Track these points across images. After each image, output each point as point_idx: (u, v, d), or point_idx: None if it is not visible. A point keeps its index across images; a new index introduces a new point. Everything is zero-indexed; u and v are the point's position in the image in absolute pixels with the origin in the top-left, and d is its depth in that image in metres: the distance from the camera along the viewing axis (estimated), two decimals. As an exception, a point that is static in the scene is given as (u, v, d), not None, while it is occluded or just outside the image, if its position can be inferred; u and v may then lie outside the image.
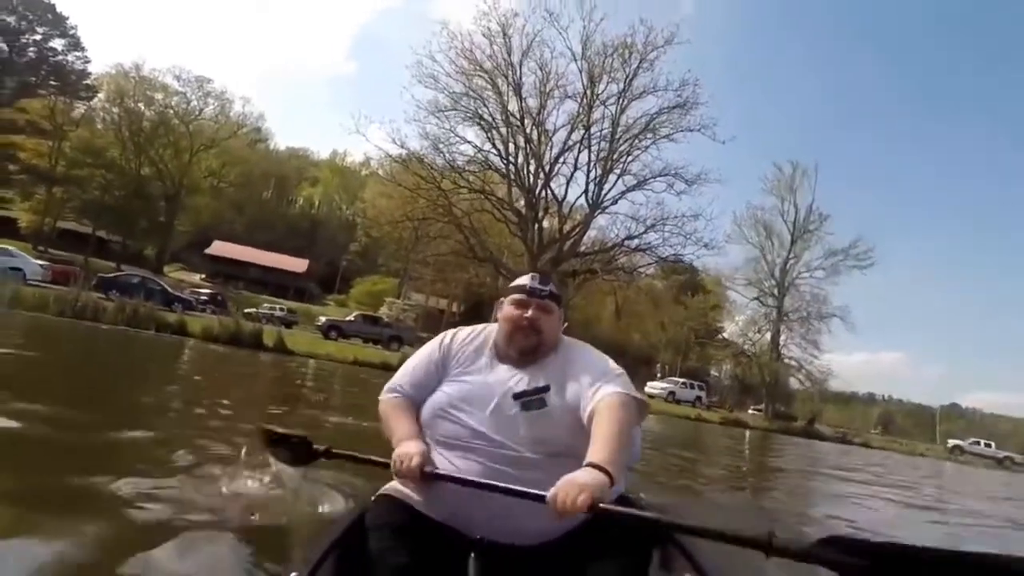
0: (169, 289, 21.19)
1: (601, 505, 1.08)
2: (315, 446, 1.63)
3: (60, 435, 3.10)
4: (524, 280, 1.52)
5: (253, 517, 2.19)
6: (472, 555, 1.21)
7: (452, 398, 1.40)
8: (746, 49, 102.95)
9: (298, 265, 49.14)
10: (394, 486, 1.39)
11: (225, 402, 5.15)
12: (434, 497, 1.31)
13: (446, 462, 1.34)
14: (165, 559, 1.79)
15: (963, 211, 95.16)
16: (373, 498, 1.40)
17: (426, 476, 1.27)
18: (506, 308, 1.50)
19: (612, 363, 1.46)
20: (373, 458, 1.45)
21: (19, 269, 17.89)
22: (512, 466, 1.29)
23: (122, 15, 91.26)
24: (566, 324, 1.56)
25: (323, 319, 23.86)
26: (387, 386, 1.54)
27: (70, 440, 3.07)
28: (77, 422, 3.45)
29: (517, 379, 1.41)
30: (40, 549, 1.70)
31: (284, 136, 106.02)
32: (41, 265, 19.24)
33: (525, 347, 1.44)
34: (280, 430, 1.69)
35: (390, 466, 1.33)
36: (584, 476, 1.11)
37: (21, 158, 34.15)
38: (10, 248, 19.26)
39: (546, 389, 1.38)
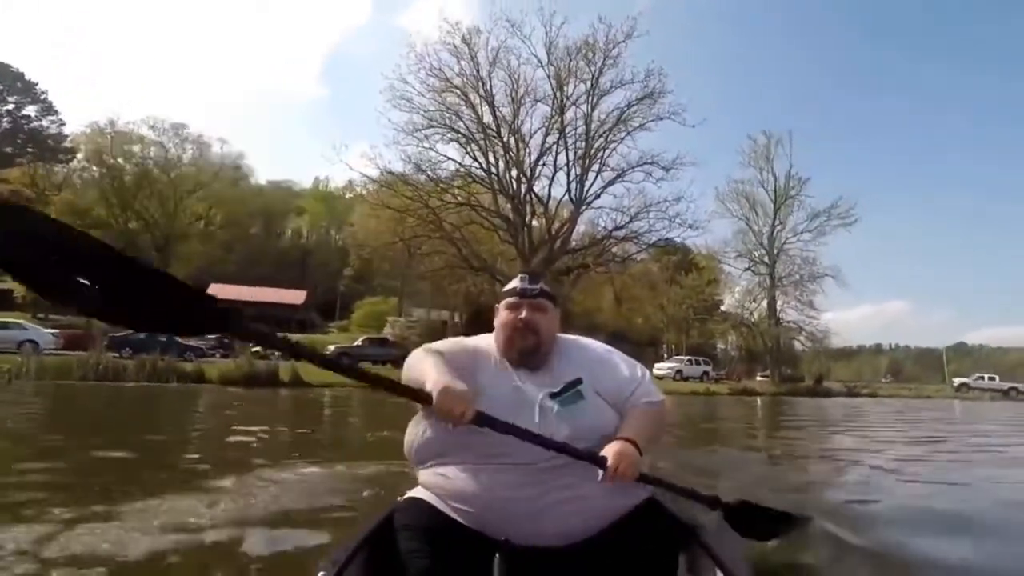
0: (179, 340, 21.82)
1: (643, 473, 1.32)
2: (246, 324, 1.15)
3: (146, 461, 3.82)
4: (514, 282, 1.53)
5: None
6: (497, 557, 1.21)
7: (495, 403, 1.33)
8: (714, 24, 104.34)
9: (296, 297, 49.70)
10: (421, 489, 1.41)
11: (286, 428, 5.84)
12: (463, 498, 1.31)
13: (475, 471, 1.32)
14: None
15: (953, 153, 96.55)
16: (401, 499, 1.42)
17: (478, 417, 1.23)
18: (501, 313, 1.50)
19: (631, 361, 1.56)
20: (408, 386, 1.31)
21: (34, 341, 18.55)
22: (546, 473, 1.30)
23: (89, 71, 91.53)
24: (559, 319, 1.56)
25: (332, 347, 24.56)
26: (427, 346, 1.49)
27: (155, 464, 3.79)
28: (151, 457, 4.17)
29: (542, 379, 1.43)
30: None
31: (265, 169, 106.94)
32: (52, 334, 19.88)
33: (524, 348, 1.44)
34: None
35: (430, 400, 1.23)
36: (628, 451, 1.28)
37: (9, 229, 34.68)
38: (21, 322, 19.93)
39: (579, 382, 1.41)
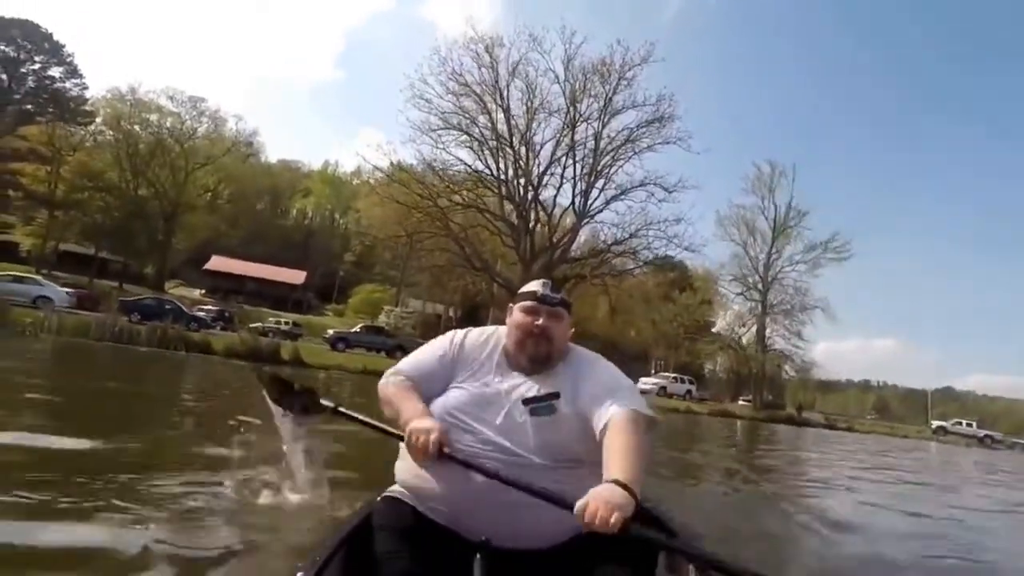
0: (184, 309, 22.83)
1: (633, 528, 1.09)
2: (323, 400, 1.67)
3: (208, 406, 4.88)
4: (535, 287, 1.52)
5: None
6: (477, 557, 1.21)
7: (463, 402, 1.40)
8: (729, 51, 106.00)
9: (296, 277, 50.65)
10: (399, 488, 1.41)
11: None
12: (439, 498, 1.32)
13: (454, 472, 1.30)
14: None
15: (953, 200, 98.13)
16: (379, 499, 1.42)
17: (444, 457, 1.25)
18: (516, 314, 1.50)
19: (623, 376, 1.49)
20: (385, 427, 1.45)
21: (48, 297, 19.50)
22: (522, 473, 1.27)
23: (114, 36, 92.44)
24: (572, 330, 1.56)
25: (331, 332, 25.57)
26: (392, 369, 1.52)
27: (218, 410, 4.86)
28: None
29: (528, 386, 1.42)
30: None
31: (275, 148, 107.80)
32: (67, 292, 20.85)
33: (536, 355, 1.44)
34: (285, 377, 1.76)
35: (404, 439, 1.32)
36: (615, 495, 1.11)
37: (22, 184, 35.62)
38: (37, 278, 20.89)
39: (556, 396, 1.39)
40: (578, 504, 1.11)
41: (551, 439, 1.35)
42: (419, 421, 1.32)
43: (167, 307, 21.74)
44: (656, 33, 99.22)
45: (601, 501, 1.09)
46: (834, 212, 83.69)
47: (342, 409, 1.59)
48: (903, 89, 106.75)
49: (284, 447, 1.88)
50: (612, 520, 1.06)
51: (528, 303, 1.49)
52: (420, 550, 1.25)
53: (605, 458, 1.25)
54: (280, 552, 2.27)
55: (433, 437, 1.26)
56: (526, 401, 1.39)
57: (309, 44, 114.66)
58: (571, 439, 1.37)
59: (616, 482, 1.15)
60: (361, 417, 1.51)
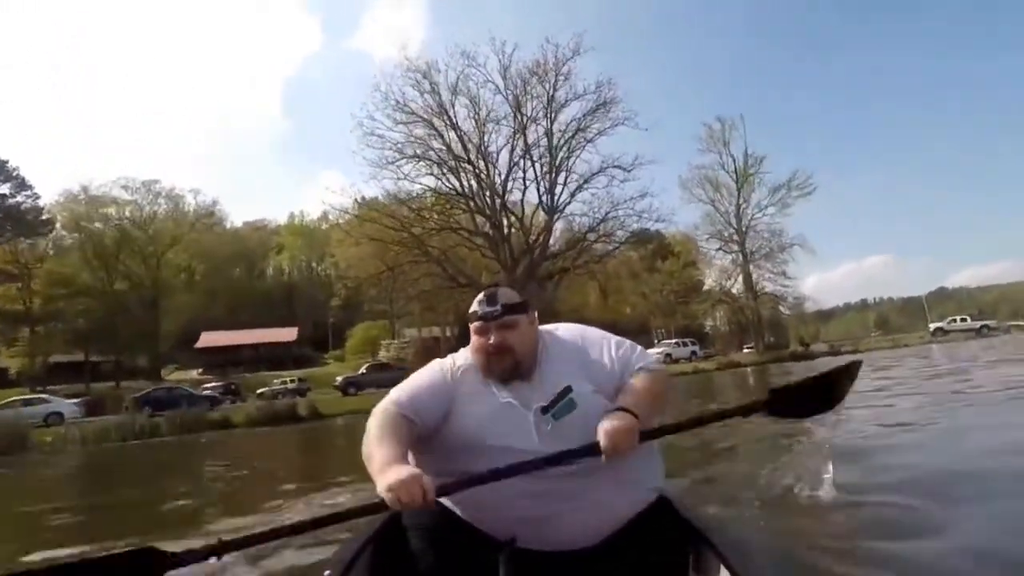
0: (193, 392, 23.40)
1: (642, 433, 1.26)
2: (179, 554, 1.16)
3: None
4: (475, 305, 1.45)
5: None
6: (503, 558, 1.21)
7: (486, 429, 1.34)
8: (656, 25, 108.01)
9: (288, 334, 51.03)
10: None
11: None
12: (466, 499, 1.30)
13: (499, 492, 1.26)
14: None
15: (922, 104, 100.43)
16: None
17: (440, 494, 1.20)
18: (472, 338, 1.46)
19: (616, 337, 1.51)
20: (356, 508, 1.23)
21: (59, 412, 20.03)
22: (567, 478, 1.27)
23: (53, 138, 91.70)
24: (536, 325, 1.49)
25: (339, 379, 26.26)
26: (388, 398, 1.40)
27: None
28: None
29: (531, 392, 1.38)
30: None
31: (240, 210, 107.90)
32: (75, 404, 21.35)
33: (503, 370, 1.39)
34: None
35: (383, 505, 1.14)
36: (620, 420, 1.23)
37: (-4, 308, 35.83)
38: (44, 396, 21.40)
39: (568, 390, 1.36)
40: (601, 444, 1.22)
41: (579, 432, 1.30)
42: (393, 474, 1.15)
43: (177, 394, 22.31)
44: (581, 5, 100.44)
45: (613, 431, 1.21)
46: (801, 146, 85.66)
47: (230, 539, 1.19)
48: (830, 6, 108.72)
49: None
50: (628, 444, 1.22)
51: (475, 324, 1.43)
52: (446, 550, 1.26)
53: (622, 394, 1.36)
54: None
55: (424, 484, 1.13)
56: (544, 410, 1.34)
57: (252, 100, 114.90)
58: (598, 419, 1.31)
59: (616, 409, 1.27)
60: (255, 535, 1.19)
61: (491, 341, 1.39)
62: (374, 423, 1.34)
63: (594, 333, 1.54)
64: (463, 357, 1.49)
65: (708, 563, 1.31)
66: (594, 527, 1.30)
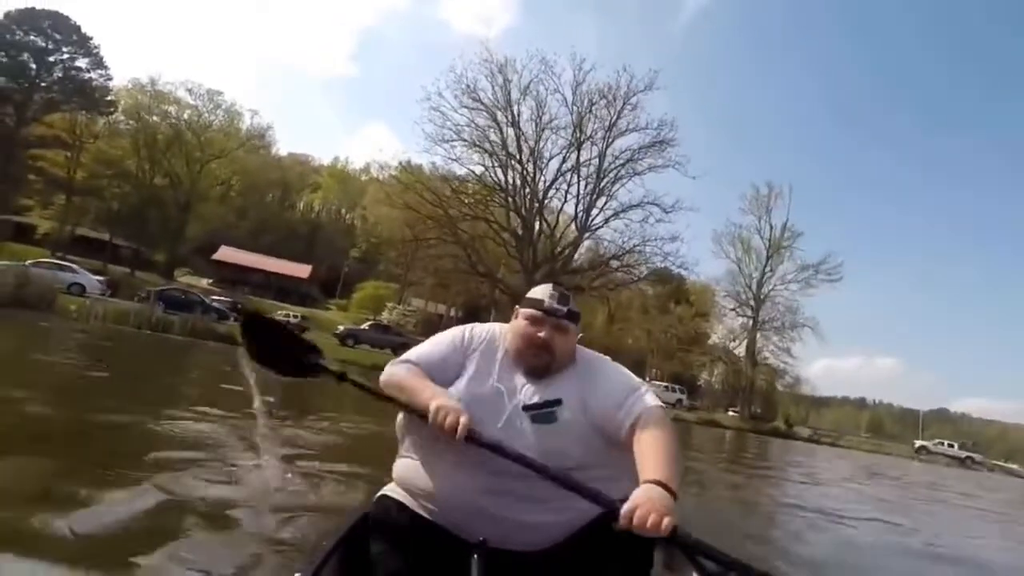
0: (206, 301, 24.69)
1: (680, 533, 1.04)
2: (323, 361, 1.57)
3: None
4: (543, 295, 1.46)
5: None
6: (474, 558, 1.22)
7: (466, 405, 1.33)
8: (736, 65, 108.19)
9: (301, 271, 52.46)
10: (396, 487, 1.42)
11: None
12: (438, 497, 1.32)
13: (451, 472, 1.32)
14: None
15: (959, 224, 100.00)
16: (375, 499, 1.43)
17: (471, 438, 1.22)
18: (520, 322, 1.46)
19: (634, 376, 1.48)
20: (406, 402, 1.35)
21: (81, 284, 21.39)
22: (521, 479, 1.25)
23: (135, 28, 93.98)
24: (580, 335, 1.51)
25: (341, 328, 27.51)
26: (400, 358, 1.48)
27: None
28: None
29: (529, 390, 1.39)
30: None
31: (286, 140, 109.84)
32: (99, 280, 22.75)
33: (536, 365, 1.41)
34: (280, 319, 1.74)
35: (428, 415, 1.25)
36: (662, 497, 1.08)
37: (43, 168, 37.52)
38: (73, 266, 22.74)
39: (558, 403, 1.36)
40: (625, 507, 1.06)
41: (553, 446, 1.32)
42: (444, 399, 1.28)
43: (191, 298, 23.63)
44: (662, 43, 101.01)
45: (650, 505, 1.05)
46: (835, 229, 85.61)
47: (354, 378, 1.50)
48: (910, 112, 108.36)
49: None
50: (664, 524, 1.02)
51: (534, 312, 1.44)
52: (417, 551, 1.26)
53: (639, 458, 1.23)
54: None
55: (463, 419, 1.22)
56: (526, 407, 1.36)
57: (324, 39, 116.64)
58: (574, 445, 1.34)
59: (656, 482, 1.12)
60: (372, 387, 1.44)
61: (542, 335, 1.41)
62: (400, 374, 1.42)
63: (609, 362, 1.53)
64: (487, 331, 1.53)
65: (676, 559, 1.32)
66: (558, 527, 1.30)
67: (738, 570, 1.09)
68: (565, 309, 1.45)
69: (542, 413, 1.36)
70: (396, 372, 1.44)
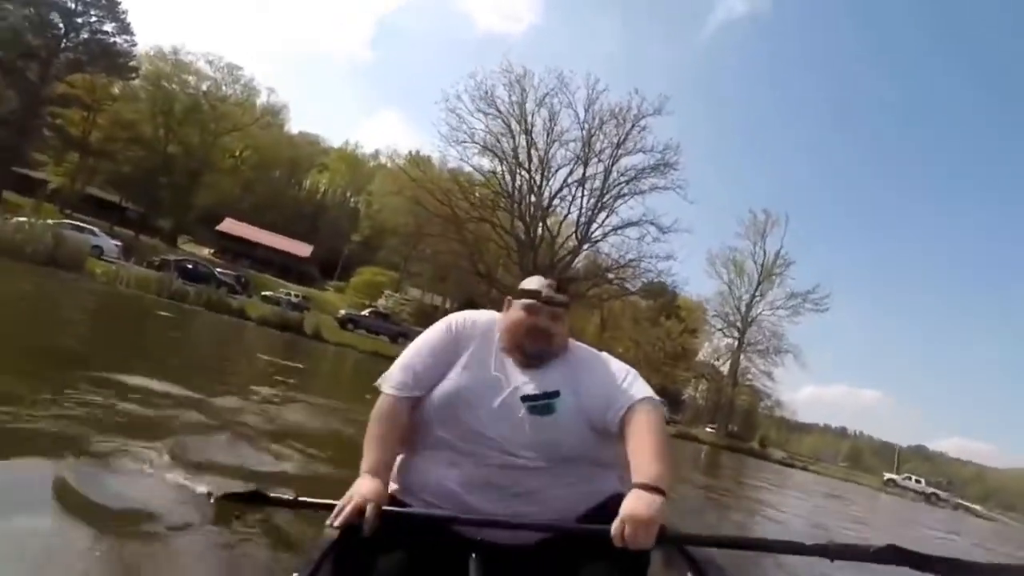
0: (216, 274, 26.10)
1: (668, 534, 1.14)
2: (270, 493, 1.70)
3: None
4: (539, 285, 1.50)
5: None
6: (473, 556, 1.24)
7: (460, 386, 1.40)
8: (751, 87, 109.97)
9: (303, 249, 53.82)
10: (393, 486, 1.42)
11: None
12: (434, 495, 1.36)
13: (445, 463, 1.37)
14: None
15: (959, 269, 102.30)
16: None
17: (382, 516, 1.24)
18: (515, 311, 1.50)
19: (628, 367, 1.50)
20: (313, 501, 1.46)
21: (100, 247, 22.73)
22: (514, 471, 1.32)
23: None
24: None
25: (343, 312, 29.02)
26: (392, 374, 1.48)
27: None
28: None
29: (525, 380, 1.42)
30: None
31: (298, 119, 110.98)
32: (116, 244, 24.14)
33: (531, 353, 1.45)
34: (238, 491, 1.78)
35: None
36: (644, 506, 1.13)
37: (61, 127, 38.81)
38: (94, 229, 24.09)
39: (555, 394, 1.39)
40: (615, 528, 1.13)
41: (548, 438, 1.36)
42: (356, 487, 1.29)
43: (202, 270, 25.04)
44: (684, 53, 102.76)
45: (633, 521, 1.11)
46: (832, 256, 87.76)
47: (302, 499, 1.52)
48: (929, 153, 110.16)
49: None
50: (649, 537, 1.11)
51: (528, 302, 1.48)
52: (415, 549, 1.26)
53: (630, 454, 1.28)
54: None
55: (368, 508, 1.22)
56: (524, 398, 1.38)
57: (345, 22, 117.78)
58: (568, 436, 1.38)
59: (645, 486, 1.17)
60: (310, 502, 1.48)
61: (539, 323, 1.44)
62: (374, 417, 1.43)
63: (607, 358, 1.53)
64: (482, 319, 1.56)
65: (672, 558, 1.36)
66: (547, 519, 1.32)
67: (726, 545, 1.24)
68: (561, 297, 1.50)
69: (540, 405, 1.39)
70: (382, 406, 1.45)
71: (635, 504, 1.14)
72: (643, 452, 1.26)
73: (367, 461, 1.39)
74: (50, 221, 21.39)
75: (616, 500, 1.23)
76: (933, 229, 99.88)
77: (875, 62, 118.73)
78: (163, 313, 13.76)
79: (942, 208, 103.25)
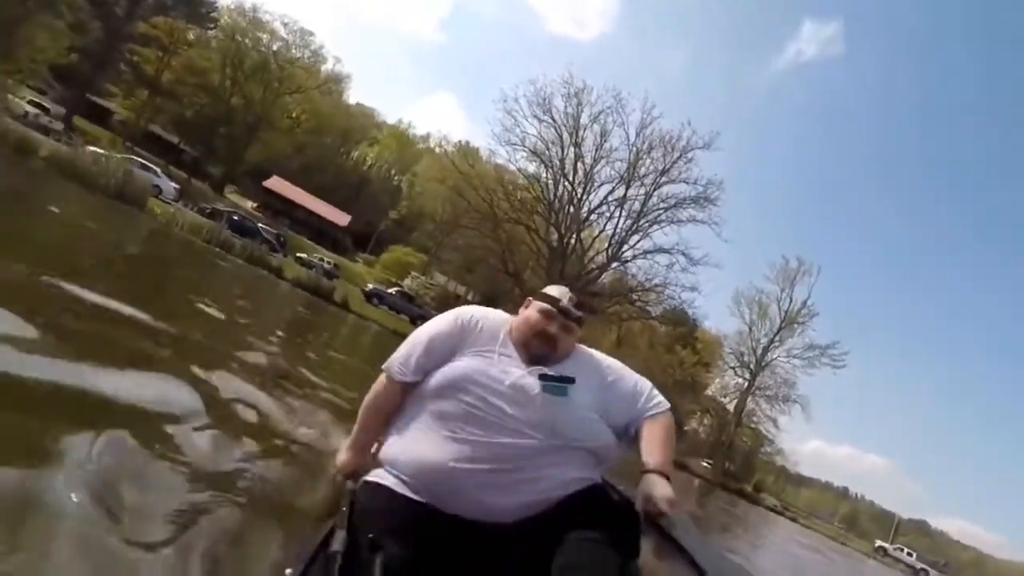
0: (261, 230, 27.44)
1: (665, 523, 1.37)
2: None
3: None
4: (559, 294, 1.60)
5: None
6: (460, 535, 1.28)
7: (468, 371, 1.45)
8: (800, 138, 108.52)
9: (341, 218, 55.31)
10: (378, 472, 1.47)
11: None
12: (422, 475, 1.38)
13: (441, 439, 1.39)
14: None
15: (991, 345, 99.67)
16: (359, 485, 1.46)
17: (366, 486, 1.40)
18: (532, 312, 1.57)
19: (635, 374, 1.64)
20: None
21: (159, 187, 24.18)
22: (513, 448, 1.36)
23: None
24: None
25: (370, 286, 30.23)
26: (394, 360, 1.57)
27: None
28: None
29: (535, 369, 1.49)
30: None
31: (357, 90, 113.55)
32: (175, 187, 25.64)
33: (537, 355, 1.52)
34: None
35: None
36: (664, 484, 1.43)
37: (136, 64, 40.96)
38: (157, 169, 25.62)
39: (571, 380, 1.46)
40: (641, 503, 1.43)
41: (556, 419, 1.41)
42: (342, 454, 1.61)
43: (250, 225, 26.40)
44: (746, 89, 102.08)
45: (661, 496, 1.40)
46: (854, 313, 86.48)
47: None
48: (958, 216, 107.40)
49: None
50: (669, 506, 1.39)
51: (546, 308, 1.56)
52: (404, 534, 1.27)
53: (647, 445, 1.51)
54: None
55: (348, 472, 1.50)
56: (542, 376, 1.44)
57: (419, 4, 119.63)
58: (573, 422, 1.43)
59: (658, 472, 1.46)
60: None
61: (551, 330, 1.53)
62: (370, 396, 1.60)
63: (621, 365, 1.65)
64: (494, 316, 1.64)
65: (662, 548, 1.38)
66: (534, 496, 1.35)
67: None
68: (577, 313, 1.58)
69: (555, 385, 1.44)
70: (380, 388, 1.59)
71: (656, 481, 1.45)
72: (658, 446, 1.52)
73: (354, 437, 1.61)
74: (120, 156, 22.97)
75: (598, 493, 1.38)
76: (971, 302, 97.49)
77: (924, 121, 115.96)
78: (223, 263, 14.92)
79: (980, 285, 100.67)
